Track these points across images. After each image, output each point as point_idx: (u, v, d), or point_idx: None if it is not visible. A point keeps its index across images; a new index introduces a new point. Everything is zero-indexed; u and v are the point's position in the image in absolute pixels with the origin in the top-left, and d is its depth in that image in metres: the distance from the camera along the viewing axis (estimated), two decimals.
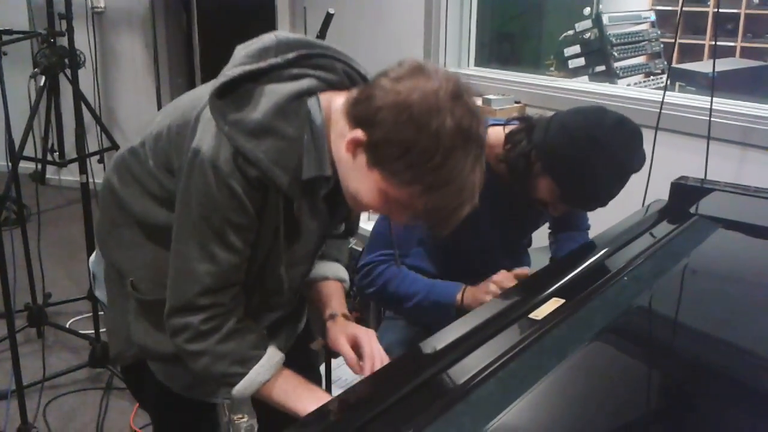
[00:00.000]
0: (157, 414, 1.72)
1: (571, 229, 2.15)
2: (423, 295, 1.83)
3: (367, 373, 1.41)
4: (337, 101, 1.30)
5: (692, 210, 1.83)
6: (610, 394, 1.17)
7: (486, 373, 1.16)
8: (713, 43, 2.40)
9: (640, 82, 3.33)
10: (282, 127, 1.24)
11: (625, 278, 1.47)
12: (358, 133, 1.21)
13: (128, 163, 1.48)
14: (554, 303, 1.47)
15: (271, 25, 4.70)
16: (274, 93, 1.25)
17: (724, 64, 3.06)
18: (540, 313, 1.44)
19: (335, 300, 1.61)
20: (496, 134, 1.81)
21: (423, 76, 1.19)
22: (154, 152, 1.41)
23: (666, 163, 2.39)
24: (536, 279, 1.62)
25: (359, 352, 1.49)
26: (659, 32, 3.28)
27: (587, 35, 3.40)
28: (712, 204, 1.87)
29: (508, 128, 1.79)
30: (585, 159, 1.60)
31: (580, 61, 3.41)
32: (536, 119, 1.76)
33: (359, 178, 1.25)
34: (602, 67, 3.38)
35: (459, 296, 1.81)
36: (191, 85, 5.35)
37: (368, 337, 1.48)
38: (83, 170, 2.92)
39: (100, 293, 1.64)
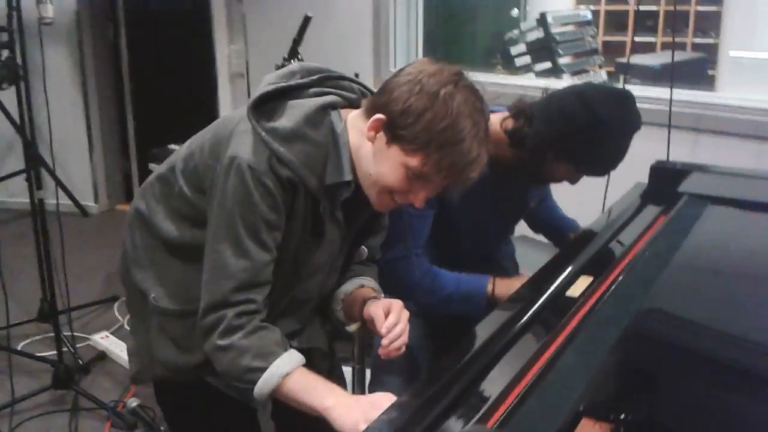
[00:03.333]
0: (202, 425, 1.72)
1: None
2: (453, 288, 1.88)
3: (387, 324, 1.49)
4: (354, 113, 1.48)
5: (680, 190, 1.94)
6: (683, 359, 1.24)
7: (561, 345, 1.21)
8: (671, 39, 2.54)
9: (581, 77, 3.48)
10: (311, 133, 1.41)
11: (647, 253, 1.56)
12: (379, 115, 1.37)
13: (155, 188, 1.59)
14: (585, 280, 1.55)
15: (206, 33, 4.62)
16: (302, 105, 1.43)
17: (663, 57, 3.26)
18: (575, 290, 1.51)
19: (374, 294, 1.67)
20: (492, 121, 1.87)
21: (428, 63, 1.40)
22: (184, 173, 1.52)
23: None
24: (555, 260, 1.68)
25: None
26: (595, 29, 3.45)
27: (531, 35, 3.54)
28: (694, 183, 1.99)
29: (506, 123, 1.84)
30: (594, 135, 1.69)
31: (526, 59, 3.54)
32: (528, 106, 1.82)
33: (381, 160, 1.40)
34: (547, 64, 3.52)
35: (490, 288, 1.87)
36: (120, 98, 5.20)
37: (400, 306, 1.56)
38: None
39: None
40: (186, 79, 4.88)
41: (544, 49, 3.46)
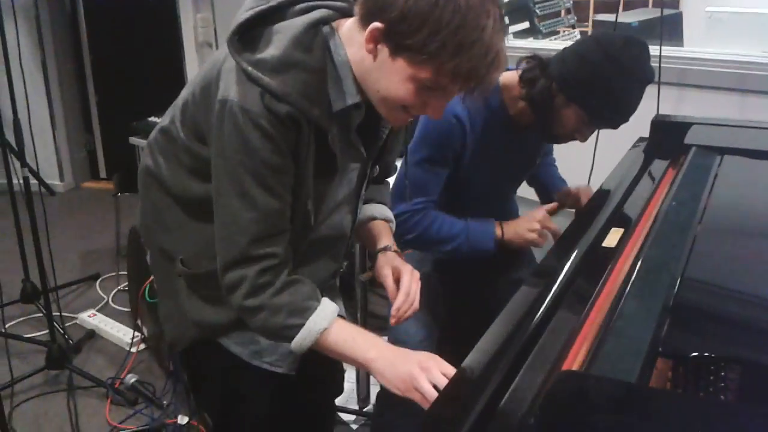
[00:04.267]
0: (222, 394, 1.67)
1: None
2: (463, 236, 1.93)
3: (396, 305, 1.46)
4: (349, 23, 1.30)
5: (686, 142, 2.00)
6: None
7: (618, 293, 1.25)
8: None
9: (557, 37, 3.53)
10: (303, 58, 1.25)
11: (674, 203, 1.61)
12: (376, 24, 1.19)
13: (160, 143, 1.48)
14: (617, 232, 1.59)
15: (170, 1, 4.50)
16: (288, 28, 1.26)
17: (638, 15, 3.32)
18: (611, 241, 1.55)
19: (385, 236, 1.63)
20: (510, 77, 1.89)
21: None
22: (183, 122, 1.41)
23: None
24: (580, 216, 1.73)
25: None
26: None
27: None
28: (698, 135, 2.05)
29: (521, 70, 1.87)
30: (608, 79, 1.71)
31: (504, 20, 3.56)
32: (545, 57, 1.85)
33: (387, 75, 1.23)
34: (524, 24, 3.55)
35: (498, 232, 1.93)
36: (81, 71, 5.05)
37: (409, 275, 1.51)
38: None
39: None
40: (150, 49, 4.75)
41: (521, 9, 3.49)
